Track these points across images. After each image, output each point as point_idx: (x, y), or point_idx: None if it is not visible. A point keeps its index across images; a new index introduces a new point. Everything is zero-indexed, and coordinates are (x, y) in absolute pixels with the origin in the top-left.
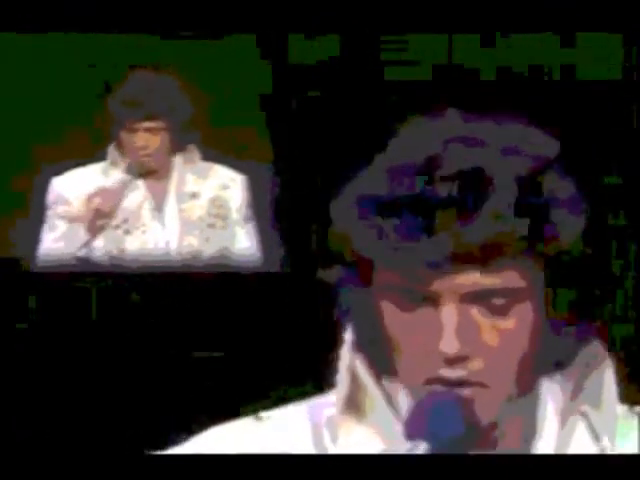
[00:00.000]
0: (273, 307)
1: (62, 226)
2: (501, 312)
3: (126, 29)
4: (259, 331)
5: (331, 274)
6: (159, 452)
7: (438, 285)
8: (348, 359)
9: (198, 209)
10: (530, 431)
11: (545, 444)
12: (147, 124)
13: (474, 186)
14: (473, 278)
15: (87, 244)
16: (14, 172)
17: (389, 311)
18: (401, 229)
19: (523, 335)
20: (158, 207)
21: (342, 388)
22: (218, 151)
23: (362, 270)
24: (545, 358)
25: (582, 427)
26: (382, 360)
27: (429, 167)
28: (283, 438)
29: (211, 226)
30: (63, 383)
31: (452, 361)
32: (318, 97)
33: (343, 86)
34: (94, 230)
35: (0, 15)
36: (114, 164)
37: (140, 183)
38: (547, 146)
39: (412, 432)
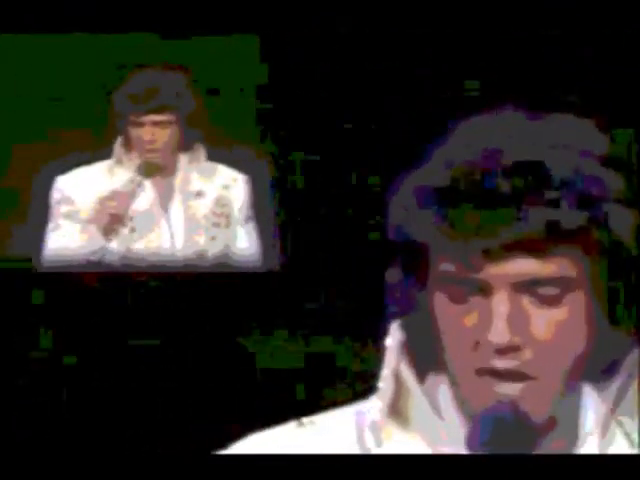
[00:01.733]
0: (271, 306)
1: (68, 226)
2: (553, 303)
3: (126, 29)
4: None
5: (392, 274)
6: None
7: (491, 273)
8: (393, 364)
9: (203, 208)
10: (573, 439)
11: (587, 451)
12: (155, 117)
13: (531, 178)
14: (526, 267)
15: (102, 249)
16: (14, 171)
17: (441, 303)
18: (458, 218)
19: (575, 327)
20: (164, 206)
21: (386, 393)
22: (218, 150)
23: (420, 264)
24: (600, 357)
25: (620, 435)
26: (429, 357)
27: (488, 160)
28: (326, 444)
29: (216, 225)
30: (68, 384)
31: (503, 351)
32: (318, 98)
33: (343, 86)
34: (109, 234)
35: (0, 15)
36: (119, 162)
37: (147, 182)
38: (599, 141)
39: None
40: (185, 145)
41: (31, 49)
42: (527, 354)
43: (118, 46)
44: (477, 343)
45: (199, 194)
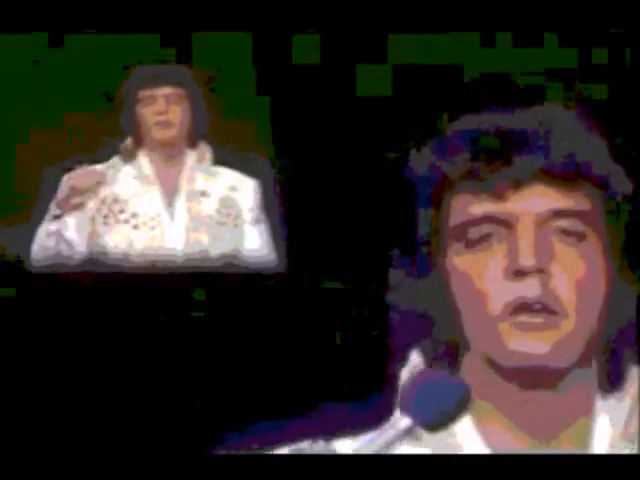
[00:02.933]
0: (279, 308)
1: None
2: (573, 241)
3: (127, 29)
4: (266, 333)
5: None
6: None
7: (515, 207)
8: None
9: (208, 207)
10: (592, 387)
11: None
12: (167, 90)
13: (541, 126)
14: (548, 198)
15: (55, 218)
16: (17, 172)
17: (461, 251)
18: (486, 156)
19: (595, 265)
20: (168, 202)
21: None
22: (221, 150)
23: (437, 195)
24: (615, 311)
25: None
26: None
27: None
28: None
29: (222, 224)
30: (68, 384)
31: (529, 274)
32: (317, 98)
33: (343, 86)
34: (65, 207)
35: (0, 15)
36: (126, 160)
37: (151, 177)
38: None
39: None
40: (192, 136)
41: (33, 49)
42: (552, 282)
43: (121, 46)
44: (505, 279)
45: (204, 194)
